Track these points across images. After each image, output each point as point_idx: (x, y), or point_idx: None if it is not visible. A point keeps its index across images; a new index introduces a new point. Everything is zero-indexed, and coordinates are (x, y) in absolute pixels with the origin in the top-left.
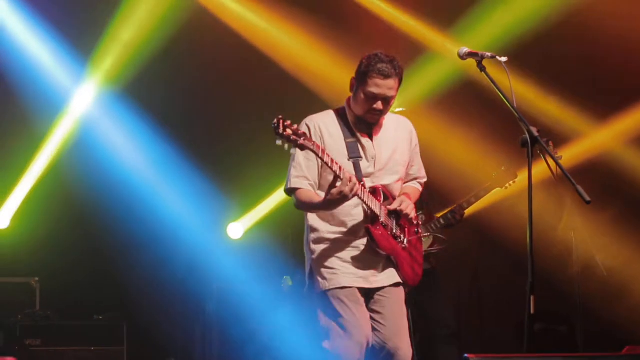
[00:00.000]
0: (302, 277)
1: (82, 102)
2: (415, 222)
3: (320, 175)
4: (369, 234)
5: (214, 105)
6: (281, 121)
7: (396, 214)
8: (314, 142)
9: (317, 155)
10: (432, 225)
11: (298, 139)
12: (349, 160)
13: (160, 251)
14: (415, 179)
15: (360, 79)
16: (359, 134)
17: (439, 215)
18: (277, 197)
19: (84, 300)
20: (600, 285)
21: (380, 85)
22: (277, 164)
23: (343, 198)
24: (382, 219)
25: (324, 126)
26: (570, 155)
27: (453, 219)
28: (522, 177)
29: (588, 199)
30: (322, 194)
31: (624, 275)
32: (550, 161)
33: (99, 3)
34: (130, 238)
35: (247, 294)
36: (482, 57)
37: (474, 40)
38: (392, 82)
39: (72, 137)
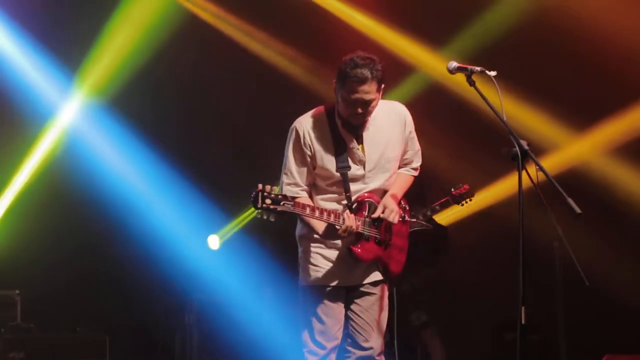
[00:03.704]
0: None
1: (69, 114)
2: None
3: (313, 175)
4: (350, 253)
5: (199, 114)
6: (259, 194)
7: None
8: (294, 202)
9: (304, 215)
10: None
11: (277, 206)
12: (336, 171)
13: (143, 263)
14: (408, 163)
15: (339, 84)
16: (346, 139)
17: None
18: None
19: (67, 312)
20: (582, 295)
21: (356, 91)
22: (263, 174)
23: (341, 238)
24: (365, 235)
25: (313, 132)
26: (548, 166)
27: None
28: (504, 186)
29: (579, 211)
30: (320, 201)
31: (606, 284)
32: (532, 172)
33: (85, 17)
34: (113, 250)
35: (227, 305)
36: (472, 72)
37: (449, 51)
38: (367, 87)
39: (58, 148)
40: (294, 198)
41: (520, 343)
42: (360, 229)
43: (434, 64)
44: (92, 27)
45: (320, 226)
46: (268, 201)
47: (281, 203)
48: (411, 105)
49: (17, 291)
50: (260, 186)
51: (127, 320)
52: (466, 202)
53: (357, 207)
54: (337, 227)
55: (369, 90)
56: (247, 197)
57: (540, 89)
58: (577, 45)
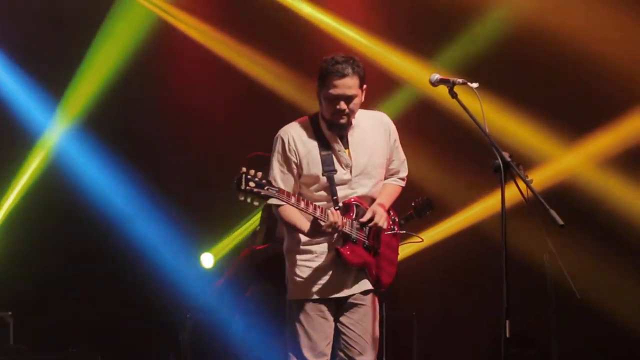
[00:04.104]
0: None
1: (54, 136)
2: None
3: (298, 183)
4: (338, 255)
5: (184, 135)
6: (243, 176)
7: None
8: (278, 188)
9: (287, 203)
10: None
11: (261, 190)
12: (323, 175)
13: (134, 282)
14: (395, 174)
15: (320, 84)
16: (332, 144)
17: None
18: (248, 225)
19: (59, 332)
20: (573, 308)
21: (338, 86)
22: None
23: (327, 235)
24: (353, 237)
25: (298, 138)
26: (539, 178)
27: None
28: (494, 201)
29: (561, 222)
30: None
31: (598, 297)
32: (522, 185)
33: (68, 40)
34: (104, 269)
35: (221, 323)
36: (454, 84)
37: (439, 63)
38: (349, 81)
39: (45, 169)
40: (279, 188)
41: (505, 357)
42: (347, 230)
43: (423, 77)
44: (75, 51)
45: (304, 225)
46: (252, 184)
47: (265, 188)
48: (400, 120)
49: (9, 312)
50: (244, 169)
51: (120, 339)
52: (428, 215)
53: (345, 209)
54: (321, 222)
55: (350, 85)
56: (237, 216)
57: (528, 102)
58: (565, 59)
